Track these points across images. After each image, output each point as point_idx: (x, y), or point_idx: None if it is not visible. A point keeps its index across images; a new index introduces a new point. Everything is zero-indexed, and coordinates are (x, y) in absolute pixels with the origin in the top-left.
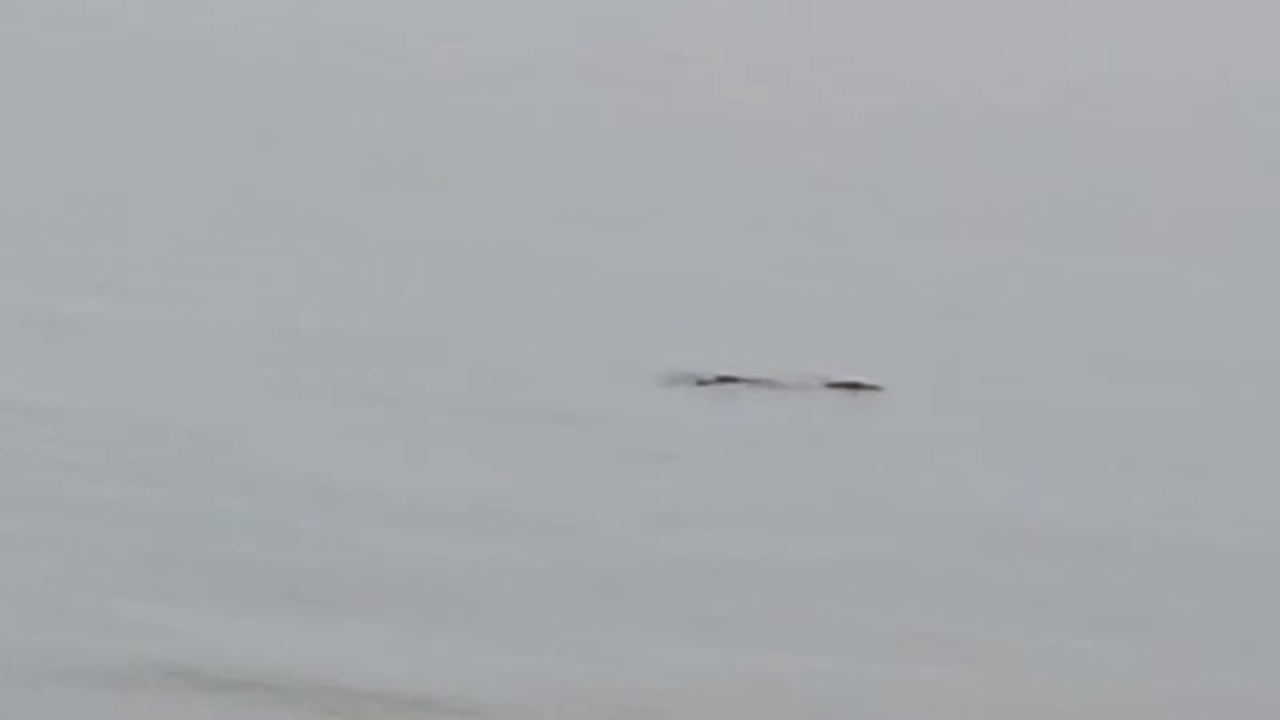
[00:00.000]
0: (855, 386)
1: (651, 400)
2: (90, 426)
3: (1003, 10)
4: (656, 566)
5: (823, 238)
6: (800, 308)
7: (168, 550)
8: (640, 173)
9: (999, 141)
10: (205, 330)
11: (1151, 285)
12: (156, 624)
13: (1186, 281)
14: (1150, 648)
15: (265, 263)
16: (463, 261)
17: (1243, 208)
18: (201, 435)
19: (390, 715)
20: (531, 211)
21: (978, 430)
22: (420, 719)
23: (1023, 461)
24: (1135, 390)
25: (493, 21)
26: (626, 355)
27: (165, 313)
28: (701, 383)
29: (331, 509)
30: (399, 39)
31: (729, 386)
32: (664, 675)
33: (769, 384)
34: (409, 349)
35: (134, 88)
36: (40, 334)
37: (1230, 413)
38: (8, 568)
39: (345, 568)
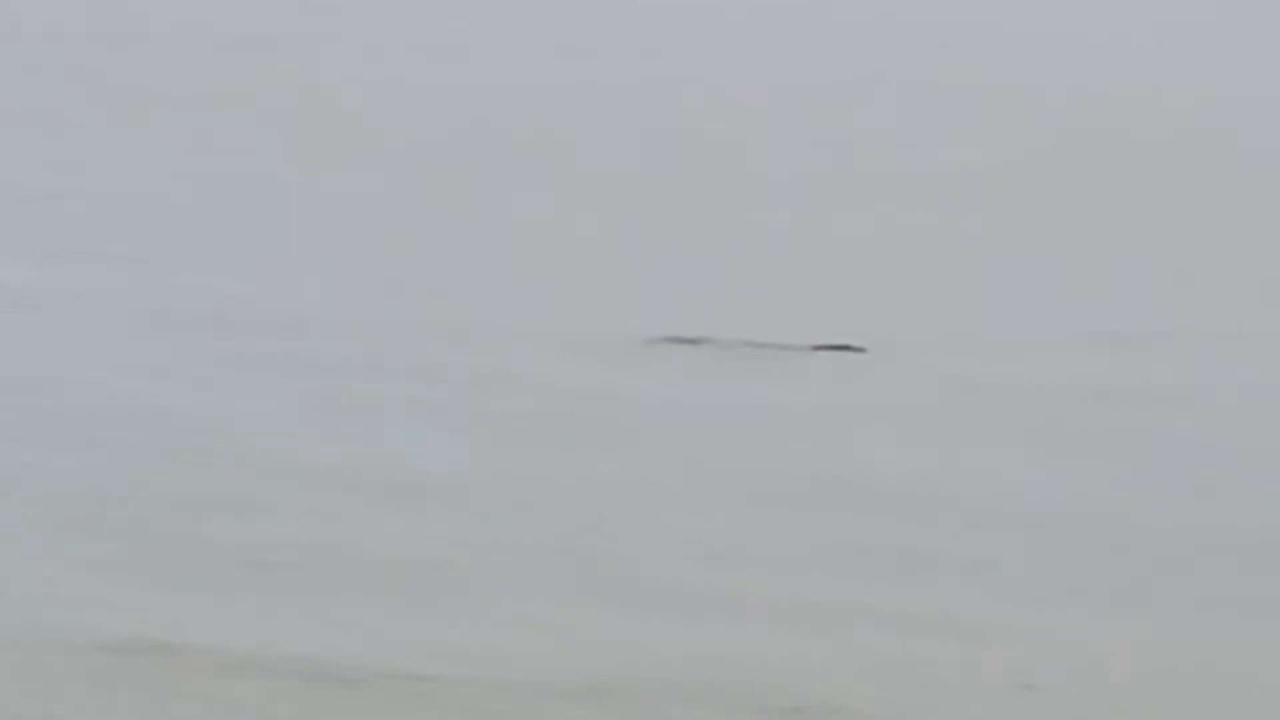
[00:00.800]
0: (842, 349)
1: (622, 363)
2: (39, 397)
3: None
4: (625, 540)
5: (801, 201)
6: (782, 271)
7: (113, 521)
8: (616, 135)
9: (996, 104)
10: (158, 300)
11: (1146, 256)
12: (101, 597)
13: (1186, 254)
14: (1149, 625)
15: (211, 232)
16: (420, 228)
17: (1247, 179)
18: (159, 410)
19: (347, 692)
20: (497, 175)
21: (960, 399)
22: (379, 694)
23: (1011, 434)
24: (1126, 361)
25: None
26: (598, 319)
27: (118, 282)
28: (677, 342)
29: (288, 481)
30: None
31: (707, 348)
32: (633, 652)
33: (751, 346)
34: (373, 320)
35: (77, 53)
36: None
37: (1237, 386)
38: None
39: (302, 542)
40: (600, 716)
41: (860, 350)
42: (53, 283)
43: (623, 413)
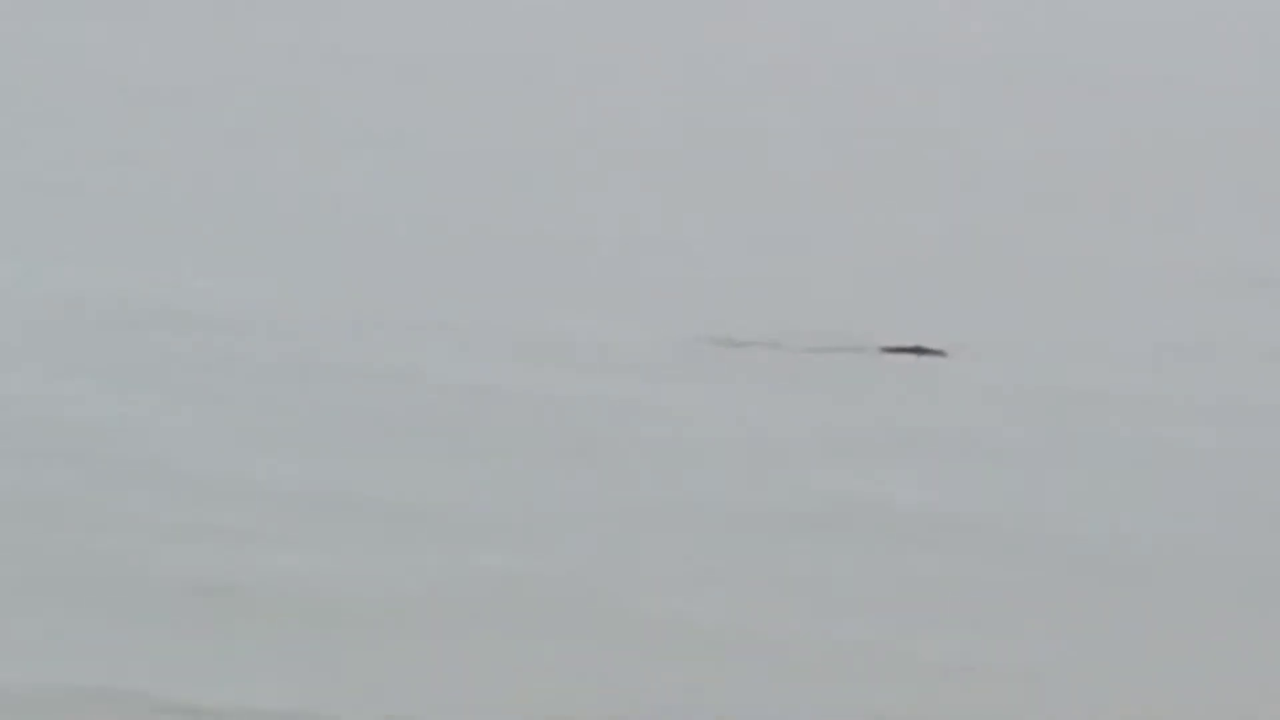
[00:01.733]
0: (917, 351)
1: (687, 366)
2: None
3: None
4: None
5: (868, 199)
6: (848, 271)
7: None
8: (670, 128)
9: (1073, 95)
10: (57, 299)
11: (1215, 256)
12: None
13: (1253, 253)
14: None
15: (146, 229)
16: (404, 223)
17: None
18: (86, 422)
19: None
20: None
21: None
22: None
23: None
24: (1218, 368)
25: None
26: (657, 319)
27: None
28: (722, 345)
29: (232, 504)
30: None
31: (771, 351)
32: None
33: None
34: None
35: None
36: None
37: None
38: None
39: (248, 572)
40: None
41: (939, 353)
42: None
43: (653, 429)
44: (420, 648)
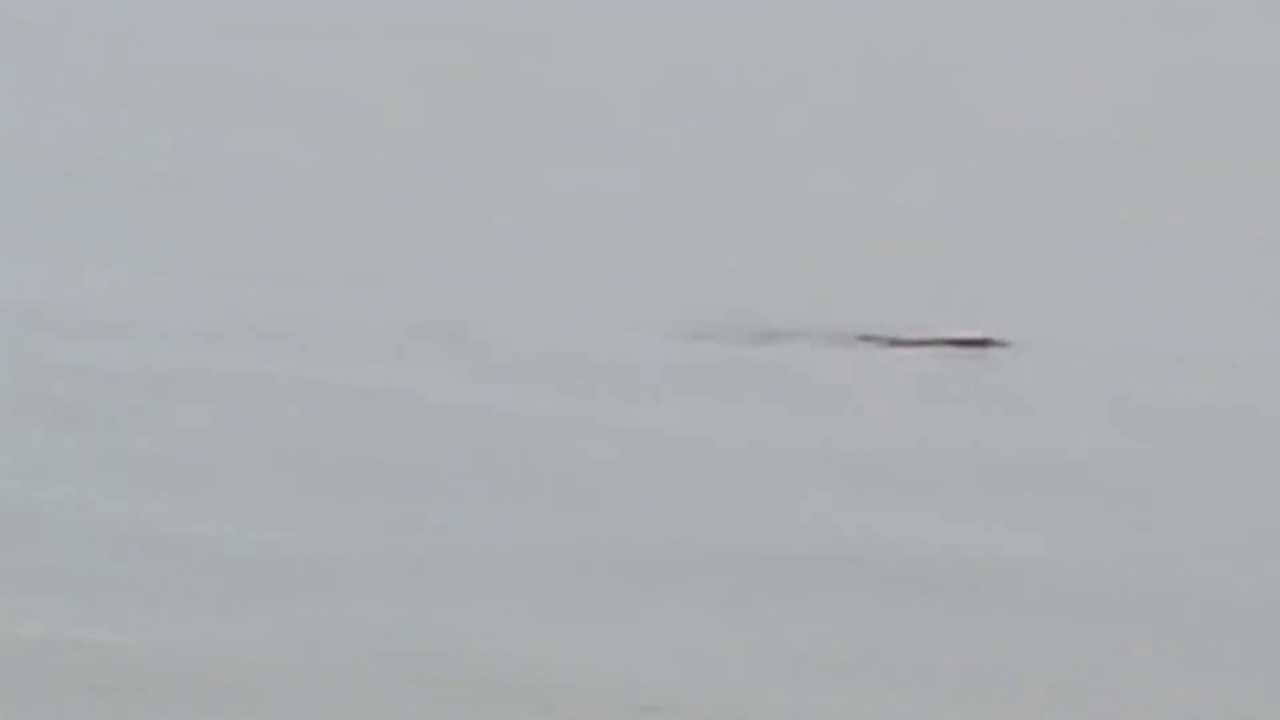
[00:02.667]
0: (980, 344)
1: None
2: None
3: None
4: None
5: (923, 186)
6: (907, 260)
7: None
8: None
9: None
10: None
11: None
12: None
13: None
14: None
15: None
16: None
17: None
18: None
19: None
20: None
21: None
22: None
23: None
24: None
25: None
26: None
27: None
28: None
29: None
30: None
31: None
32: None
33: (879, 340)
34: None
35: None
36: None
37: None
38: None
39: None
40: None
41: (1001, 345)
42: None
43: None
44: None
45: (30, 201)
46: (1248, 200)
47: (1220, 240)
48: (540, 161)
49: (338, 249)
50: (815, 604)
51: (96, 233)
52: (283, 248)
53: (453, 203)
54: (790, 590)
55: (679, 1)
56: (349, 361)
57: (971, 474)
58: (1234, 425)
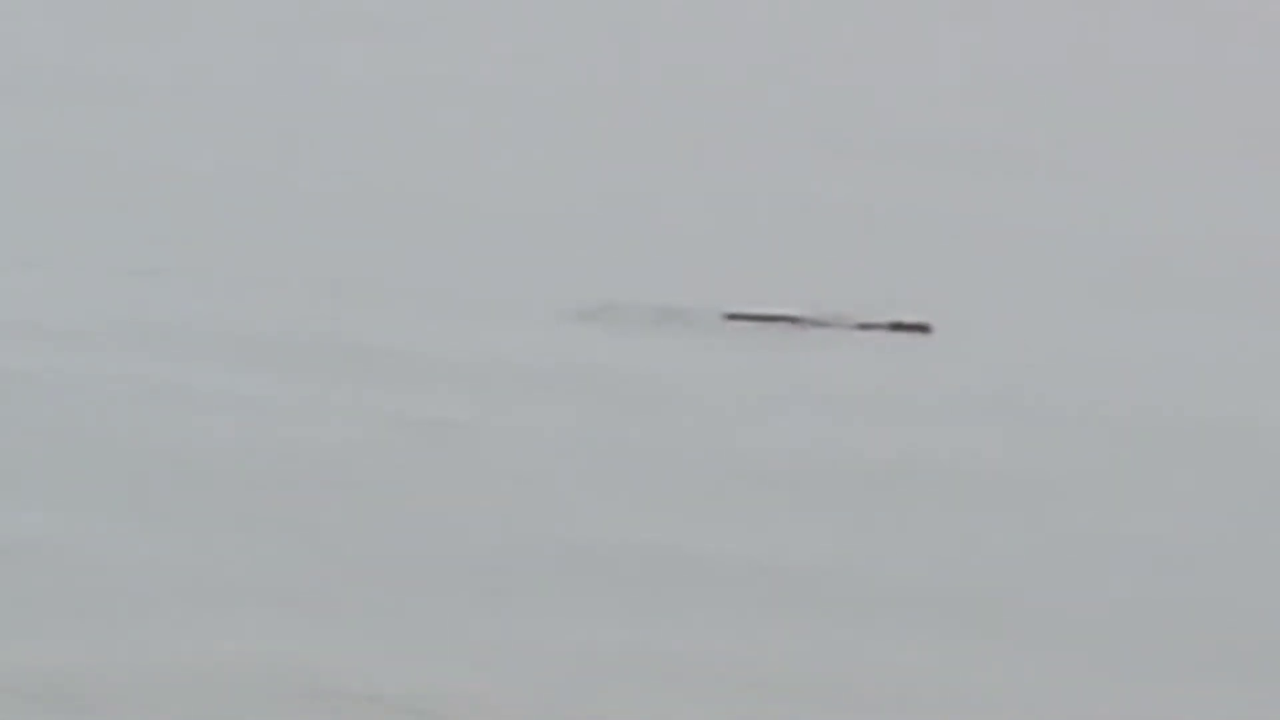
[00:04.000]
0: (897, 327)
1: (673, 340)
2: None
3: None
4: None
5: (844, 170)
6: (822, 244)
7: None
8: (653, 104)
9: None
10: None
11: (1212, 221)
12: None
13: (1237, 210)
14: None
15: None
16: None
17: None
18: None
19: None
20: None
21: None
22: None
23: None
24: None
25: None
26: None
27: None
28: (734, 317)
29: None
30: None
31: (754, 325)
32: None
33: (796, 322)
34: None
35: None
36: None
37: None
38: None
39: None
40: None
41: (925, 329)
42: None
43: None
44: None
45: None
46: (1059, 193)
47: (1053, 233)
48: (424, 149)
49: (224, 247)
50: (643, 609)
51: None
52: (147, 246)
53: (344, 196)
54: (618, 596)
55: (617, 3)
56: (205, 365)
57: (828, 474)
58: (1087, 424)
